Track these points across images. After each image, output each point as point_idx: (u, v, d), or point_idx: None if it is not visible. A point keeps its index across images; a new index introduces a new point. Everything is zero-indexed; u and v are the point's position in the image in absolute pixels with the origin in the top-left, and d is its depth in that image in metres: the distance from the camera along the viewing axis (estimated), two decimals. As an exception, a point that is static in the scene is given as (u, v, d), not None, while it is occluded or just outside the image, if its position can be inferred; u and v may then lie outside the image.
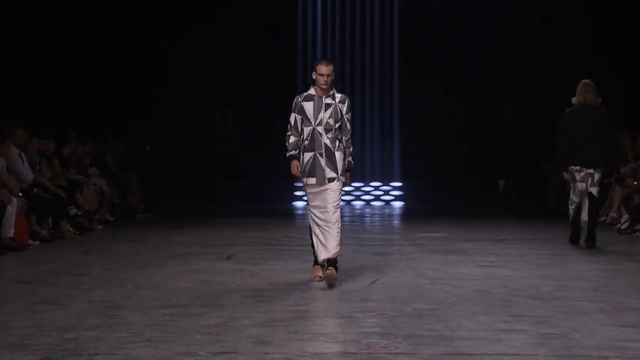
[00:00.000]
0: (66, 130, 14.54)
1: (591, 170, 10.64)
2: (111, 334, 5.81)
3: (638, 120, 15.70)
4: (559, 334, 5.85)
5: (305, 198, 8.13)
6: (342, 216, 8.02)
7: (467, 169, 19.25)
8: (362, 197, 20.27)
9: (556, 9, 18.70)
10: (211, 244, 11.53)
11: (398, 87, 20.33)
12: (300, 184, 8.09)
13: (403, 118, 20.31)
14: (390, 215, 17.81)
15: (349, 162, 8.09)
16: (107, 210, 14.73)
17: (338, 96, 8.02)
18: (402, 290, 7.66)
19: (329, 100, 7.95)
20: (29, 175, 11.87)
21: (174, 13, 19.32)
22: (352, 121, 8.16)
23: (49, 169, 12.91)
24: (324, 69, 7.88)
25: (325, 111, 7.91)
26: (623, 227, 12.71)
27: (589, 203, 10.70)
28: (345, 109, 7.98)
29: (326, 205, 7.85)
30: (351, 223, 15.36)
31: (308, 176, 7.93)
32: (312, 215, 7.95)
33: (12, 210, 10.59)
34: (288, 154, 8.03)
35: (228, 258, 9.93)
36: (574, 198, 10.83)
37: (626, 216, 12.98)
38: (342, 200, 8.22)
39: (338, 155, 7.94)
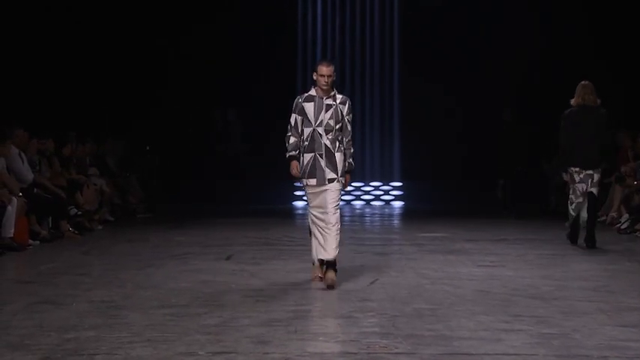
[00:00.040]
0: (66, 130, 14.54)
1: (590, 171, 10.67)
2: (111, 334, 5.81)
3: (638, 120, 15.70)
4: (559, 334, 5.85)
5: (305, 198, 8.10)
6: (342, 216, 8.02)
7: (467, 169, 19.25)
8: (362, 197, 20.27)
9: (556, 9, 18.69)
10: (211, 244, 11.53)
11: (398, 87, 20.33)
12: (300, 184, 8.07)
13: (403, 118, 20.31)
14: (390, 215, 17.81)
15: (349, 163, 8.06)
16: (107, 210, 14.73)
17: (339, 97, 7.99)
18: (401, 290, 7.66)
19: (330, 101, 7.93)
20: (29, 175, 11.87)
21: (174, 13, 19.31)
22: (352, 122, 8.13)
23: (48, 169, 12.91)
24: (324, 70, 7.86)
25: (326, 112, 7.89)
26: (623, 227, 12.71)
27: (589, 202, 10.74)
28: (345, 111, 7.95)
29: (326, 206, 7.83)
30: (351, 223, 15.36)
31: (308, 177, 7.91)
32: (312, 216, 7.94)
33: (12, 210, 10.59)
34: (287, 155, 8.01)
35: (228, 258, 9.93)
36: (573, 198, 10.86)
37: (626, 216, 12.98)
38: (342, 200, 8.19)
39: (338, 156, 7.91)
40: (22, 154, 11.89)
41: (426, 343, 5.56)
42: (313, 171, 7.88)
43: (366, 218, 17.06)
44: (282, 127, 8.34)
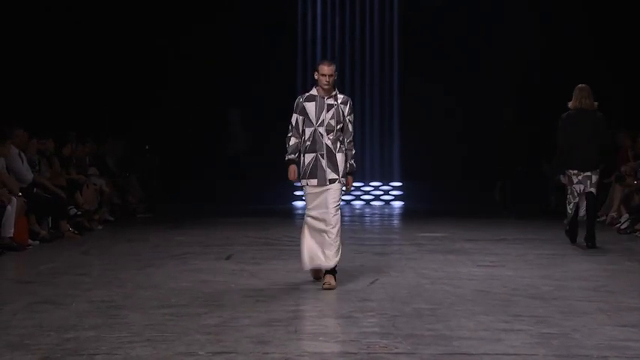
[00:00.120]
0: (66, 130, 14.54)
1: (588, 173, 10.75)
2: (111, 333, 5.81)
3: (638, 120, 15.71)
4: (559, 333, 5.85)
5: (304, 198, 8.05)
6: (342, 216, 7.92)
7: (467, 169, 19.25)
8: (362, 197, 20.27)
9: (556, 9, 18.69)
10: (211, 243, 11.53)
11: (398, 87, 20.33)
12: (300, 184, 8.02)
13: (403, 118, 20.31)
14: (390, 215, 17.81)
15: (351, 165, 7.98)
16: (107, 210, 14.72)
17: (340, 97, 7.94)
18: (401, 290, 7.66)
19: (331, 101, 7.88)
20: (29, 175, 11.87)
21: (174, 13, 19.31)
22: (353, 122, 8.08)
23: (48, 169, 12.91)
24: (326, 69, 7.81)
25: (327, 112, 7.84)
26: (622, 227, 12.71)
27: (587, 202, 10.80)
28: (347, 111, 7.90)
29: (326, 206, 7.77)
30: (351, 222, 15.36)
31: (309, 178, 7.84)
32: (309, 219, 7.83)
33: (12, 210, 10.58)
34: (286, 158, 7.94)
35: (228, 258, 9.94)
36: (571, 198, 10.92)
37: (626, 216, 12.98)
38: (342, 200, 8.14)
39: (339, 157, 7.85)
40: (22, 154, 11.89)
41: (425, 343, 5.56)
42: (314, 171, 7.83)
43: (366, 218, 17.06)
44: (282, 127, 8.32)
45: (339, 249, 7.81)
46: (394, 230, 14.94)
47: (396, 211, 18.74)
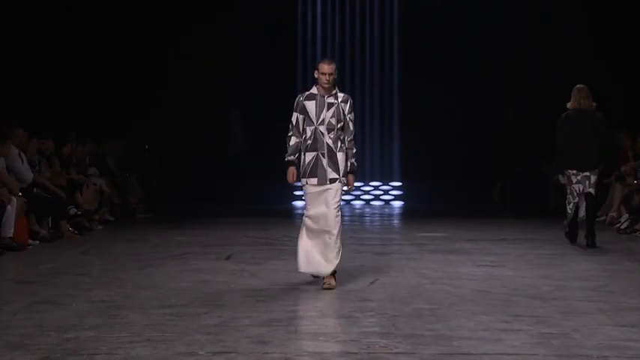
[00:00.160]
0: (66, 130, 14.54)
1: (587, 173, 10.78)
2: (111, 333, 5.81)
3: (638, 120, 15.71)
4: (559, 333, 5.85)
5: (303, 198, 8.02)
6: (342, 216, 7.88)
7: (467, 169, 19.25)
8: (362, 197, 20.28)
9: (556, 9, 18.69)
10: (211, 243, 11.53)
11: (398, 87, 20.34)
12: (300, 184, 8.00)
13: (403, 118, 20.32)
14: (390, 215, 17.81)
15: (352, 164, 7.92)
16: (107, 210, 14.73)
17: (340, 95, 7.90)
18: (401, 290, 7.66)
19: (331, 100, 7.84)
20: (29, 175, 11.87)
21: (174, 13, 19.31)
22: (354, 121, 8.03)
23: (48, 169, 12.91)
24: (326, 68, 7.78)
25: (327, 110, 7.80)
26: (622, 227, 12.71)
27: (587, 202, 10.81)
28: (347, 109, 7.86)
29: (327, 206, 7.71)
30: (351, 222, 15.36)
31: (309, 177, 7.80)
32: (308, 221, 7.76)
33: (12, 210, 10.58)
34: (286, 159, 7.89)
35: (228, 258, 9.93)
36: (570, 198, 10.95)
37: (625, 215, 12.98)
38: (342, 200, 8.10)
39: (340, 156, 7.81)
40: (22, 154, 11.89)
41: (425, 342, 5.56)
42: (315, 170, 7.78)
43: (366, 218, 17.06)
44: (282, 127, 8.30)
45: (339, 251, 7.77)
46: (394, 230, 14.94)
47: (396, 211, 18.74)
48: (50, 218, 12.04)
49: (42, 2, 17.42)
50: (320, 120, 7.81)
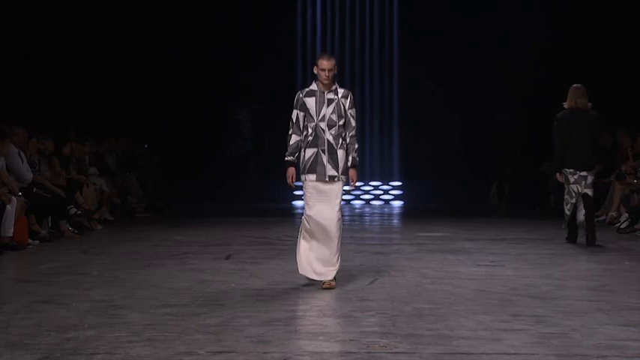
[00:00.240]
0: (65, 129, 14.54)
1: (584, 173, 10.82)
2: (110, 333, 5.81)
3: (638, 120, 15.72)
4: (558, 333, 5.85)
5: (303, 198, 7.98)
6: (342, 216, 7.86)
7: (467, 168, 19.27)
8: (361, 196, 20.29)
9: (556, 9, 18.70)
10: (211, 243, 11.53)
11: (397, 87, 20.36)
12: (300, 183, 7.97)
13: (403, 117, 20.33)
14: (390, 214, 17.81)
15: (354, 158, 7.83)
16: (107, 209, 14.73)
17: (340, 91, 7.83)
18: (401, 289, 7.65)
19: (331, 96, 7.78)
20: (28, 175, 11.86)
21: (174, 12, 19.32)
22: (356, 116, 7.94)
23: (48, 169, 12.90)
24: (325, 63, 7.72)
25: (327, 106, 7.73)
26: (622, 226, 12.71)
27: (584, 203, 10.85)
28: (348, 105, 7.79)
29: (327, 207, 7.66)
30: (351, 222, 15.37)
31: (308, 172, 7.73)
32: (307, 222, 7.70)
33: (11, 209, 10.58)
34: (286, 158, 7.82)
35: (227, 257, 9.93)
36: (568, 198, 10.97)
37: (625, 215, 12.99)
38: (342, 200, 8.05)
39: (340, 153, 7.74)
40: (22, 154, 11.89)
41: (425, 342, 5.56)
42: (314, 166, 7.71)
43: (366, 218, 17.06)
44: (281, 127, 8.28)
45: (339, 254, 7.75)
46: (394, 230, 14.94)
47: (396, 211, 18.74)
48: (50, 218, 12.04)
49: (42, 2, 17.42)
50: (320, 116, 7.74)
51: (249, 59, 19.49)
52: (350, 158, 7.83)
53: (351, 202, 20.06)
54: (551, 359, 5.18)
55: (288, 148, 7.84)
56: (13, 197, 10.80)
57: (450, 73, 19.14)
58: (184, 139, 19.65)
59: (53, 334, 5.77)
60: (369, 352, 5.30)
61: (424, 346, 5.45)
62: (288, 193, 19.19)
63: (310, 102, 7.79)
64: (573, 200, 10.92)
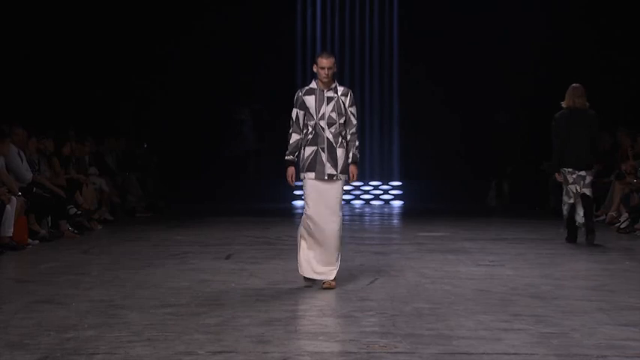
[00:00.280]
0: (65, 129, 14.54)
1: (583, 172, 10.84)
2: (110, 333, 5.81)
3: (638, 120, 15.72)
4: (558, 333, 5.85)
5: (303, 197, 7.96)
6: (343, 215, 7.83)
7: (467, 168, 19.27)
8: (361, 196, 20.29)
9: (556, 9, 18.70)
10: (211, 243, 11.53)
11: (397, 87, 20.36)
12: (300, 183, 7.95)
13: (403, 117, 20.34)
14: (390, 214, 17.81)
15: (354, 154, 7.79)
16: (106, 209, 14.72)
17: (340, 89, 7.81)
18: (401, 289, 7.65)
19: (331, 94, 7.75)
20: (28, 175, 11.86)
21: (174, 12, 19.32)
22: (357, 114, 7.90)
23: (48, 169, 12.90)
24: (324, 62, 7.70)
25: (327, 104, 7.71)
26: (622, 226, 12.71)
27: (583, 203, 10.84)
28: (348, 102, 7.76)
29: (327, 206, 7.63)
30: (351, 222, 15.36)
31: (307, 171, 7.70)
32: (306, 222, 7.66)
33: (11, 209, 10.58)
34: (286, 158, 7.80)
35: (227, 257, 9.93)
36: (566, 199, 10.99)
37: (625, 215, 12.98)
38: (342, 200, 8.01)
39: (340, 152, 7.72)
40: (22, 153, 11.89)
41: (425, 342, 5.56)
42: (313, 165, 7.68)
43: (366, 217, 17.06)
44: (281, 127, 8.27)
45: (339, 255, 7.74)
46: (394, 229, 14.94)
47: (396, 211, 18.74)
48: (50, 218, 12.04)
49: (42, 2, 17.42)
50: (320, 115, 7.72)
51: (249, 59, 19.49)
52: (350, 154, 7.80)
53: (351, 202, 20.06)
54: (551, 359, 5.18)
55: (289, 147, 7.82)
56: (13, 197, 10.80)
57: (449, 73, 19.15)
58: (184, 139, 19.64)
59: (53, 334, 5.76)
60: (369, 352, 5.30)
61: (424, 346, 5.44)
62: (288, 193, 19.19)
63: (310, 100, 7.78)
64: (571, 201, 10.93)
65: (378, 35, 20.36)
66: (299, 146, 7.82)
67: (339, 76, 8.55)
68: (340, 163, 7.73)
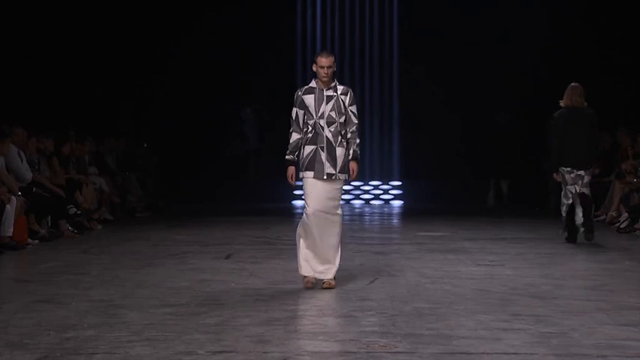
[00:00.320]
0: (65, 129, 14.53)
1: (581, 172, 10.85)
2: (110, 333, 5.81)
3: (638, 120, 15.72)
4: (558, 332, 5.85)
5: (303, 197, 7.96)
6: (343, 215, 7.83)
7: (467, 168, 19.27)
8: (361, 196, 20.28)
9: (556, 9, 18.70)
10: (211, 243, 11.53)
11: (397, 87, 20.35)
12: (300, 183, 7.95)
13: (403, 117, 20.34)
14: (390, 214, 17.81)
15: (354, 151, 7.77)
16: (106, 209, 14.73)
17: (340, 88, 7.80)
18: (401, 289, 7.65)
19: (330, 93, 7.74)
20: (28, 174, 11.86)
21: (174, 11, 19.31)
22: (358, 113, 7.87)
23: (48, 169, 12.90)
24: (324, 61, 7.68)
25: (327, 103, 7.70)
26: (622, 226, 12.71)
27: (582, 203, 10.85)
28: (348, 101, 7.75)
29: (327, 206, 7.63)
30: (351, 222, 15.36)
31: (306, 170, 7.69)
32: (306, 222, 7.64)
33: (11, 209, 10.58)
34: (286, 157, 7.80)
35: (227, 257, 9.93)
36: (564, 200, 11.01)
37: (625, 215, 12.98)
38: (342, 200, 8.01)
39: (339, 151, 7.70)
40: (22, 153, 11.89)
41: (425, 342, 5.56)
42: (312, 164, 7.67)
43: (366, 217, 17.06)
44: (281, 127, 8.27)
45: (339, 255, 7.74)
46: (394, 229, 14.94)
47: (396, 210, 18.74)
48: (50, 217, 12.04)
49: (42, 2, 17.42)
50: (319, 113, 7.71)
51: (249, 59, 19.48)
52: (351, 152, 7.78)
53: (351, 201, 20.06)
54: (551, 359, 5.18)
55: (289, 147, 7.82)
56: (13, 197, 10.80)
57: (449, 73, 19.14)
58: (184, 139, 19.63)
59: (53, 334, 5.76)
60: (369, 352, 5.30)
61: (424, 346, 5.44)
62: (288, 193, 19.19)
63: (309, 99, 7.77)
64: (569, 201, 10.94)
65: (378, 35, 20.36)
66: (299, 145, 7.81)
67: (339, 75, 8.54)
68: (339, 162, 7.71)
